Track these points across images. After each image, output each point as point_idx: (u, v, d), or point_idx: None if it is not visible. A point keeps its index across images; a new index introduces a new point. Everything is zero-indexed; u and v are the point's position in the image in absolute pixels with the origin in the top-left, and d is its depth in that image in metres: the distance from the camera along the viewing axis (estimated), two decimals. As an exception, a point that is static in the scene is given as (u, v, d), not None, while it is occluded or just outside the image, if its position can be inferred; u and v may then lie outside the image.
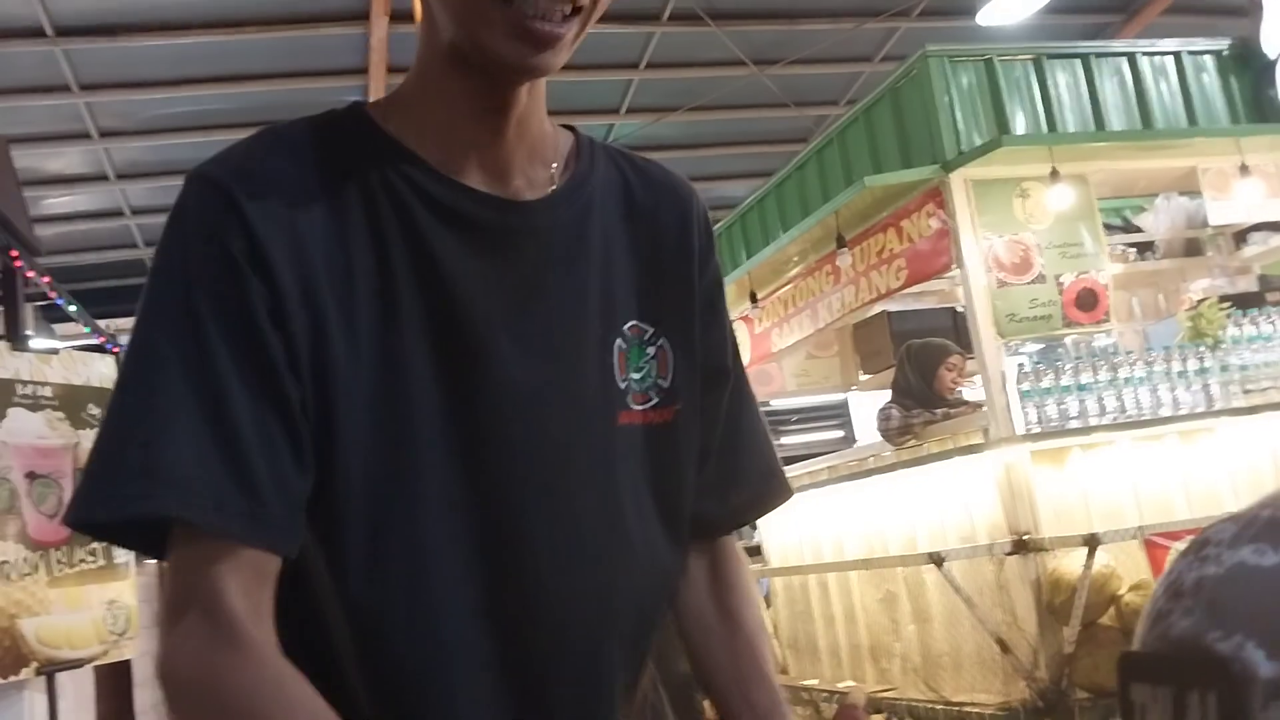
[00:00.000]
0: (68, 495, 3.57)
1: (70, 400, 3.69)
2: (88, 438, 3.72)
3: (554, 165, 0.93)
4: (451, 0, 0.82)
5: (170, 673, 0.76)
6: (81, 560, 3.57)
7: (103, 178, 8.19)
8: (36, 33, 6.48)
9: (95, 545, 3.61)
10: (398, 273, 0.84)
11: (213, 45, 6.92)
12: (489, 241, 0.88)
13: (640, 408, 0.93)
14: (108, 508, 0.77)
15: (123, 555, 3.75)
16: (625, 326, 0.94)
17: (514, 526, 0.86)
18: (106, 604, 3.68)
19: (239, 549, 0.76)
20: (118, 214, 8.73)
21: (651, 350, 0.95)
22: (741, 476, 1.04)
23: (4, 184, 4.34)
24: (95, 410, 3.77)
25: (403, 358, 0.84)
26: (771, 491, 1.07)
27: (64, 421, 3.64)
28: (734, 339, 1.05)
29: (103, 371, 3.89)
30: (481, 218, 0.88)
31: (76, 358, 3.82)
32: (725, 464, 1.02)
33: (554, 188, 0.92)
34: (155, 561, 6.27)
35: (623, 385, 0.93)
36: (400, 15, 6.49)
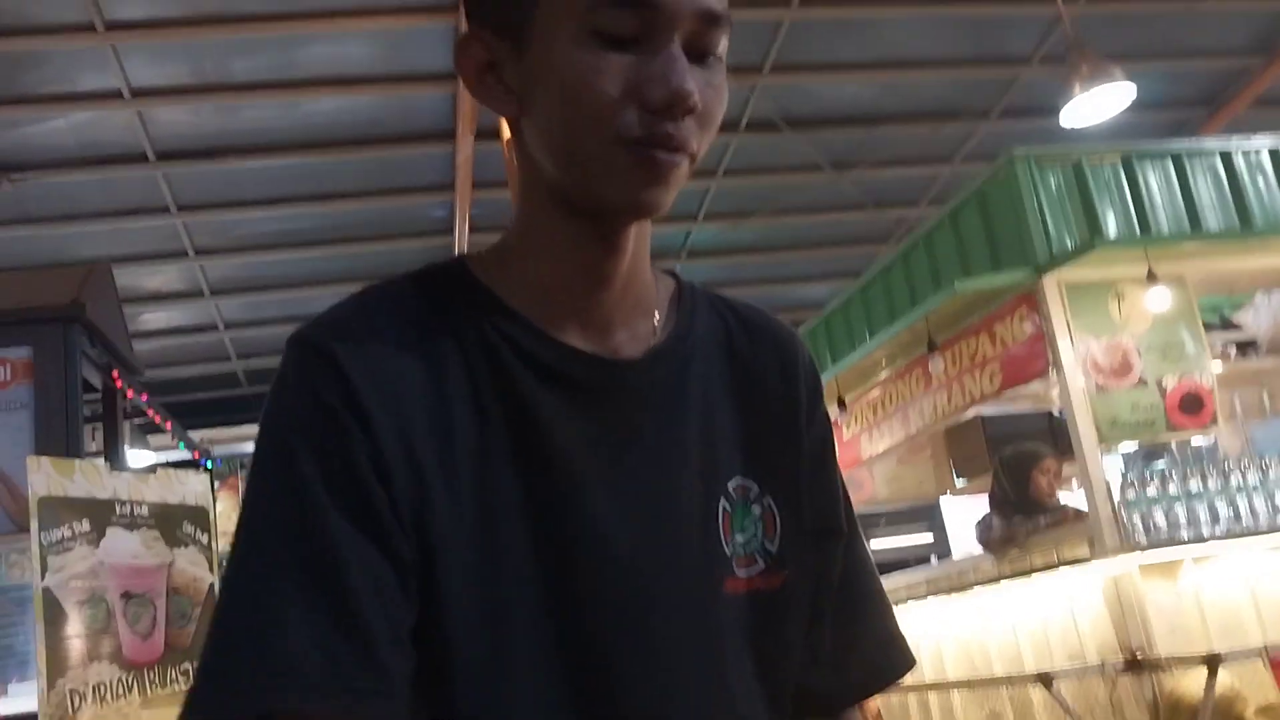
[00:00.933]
0: (160, 615, 3.58)
1: (165, 519, 3.73)
2: (182, 556, 3.74)
3: (656, 315, 0.91)
4: (566, 151, 0.82)
5: None
6: (174, 680, 3.56)
7: (198, 293, 8.45)
8: (140, 158, 6.76)
9: (188, 666, 3.60)
10: (497, 433, 0.83)
11: (304, 166, 7.16)
12: (589, 401, 0.86)
13: (746, 573, 0.89)
14: (228, 709, 0.74)
15: (214, 676, 3.74)
16: (730, 485, 0.90)
17: (610, 697, 0.82)
18: (197, 727, 3.65)
19: None
20: (212, 328, 8.98)
21: (757, 510, 0.91)
22: (858, 646, 0.98)
23: (107, 306, 4.48)
24: (189, 528, 3.80)
25: (502, 519, 0.82)
26: (892, 662, 1.00)
27: (159, 540, 3.66)
28: (846, 495, 1.00)
29: (197, 489, 3.94)
30: (582, 378, 0.86)
31: (173, 476, 3.87)
32: (840, 633, 0.96)
33: (656, 341, 0.90)
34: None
35: (728, 550, 0.88)
36: (485, 133, 6.65)
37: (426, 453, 0.80)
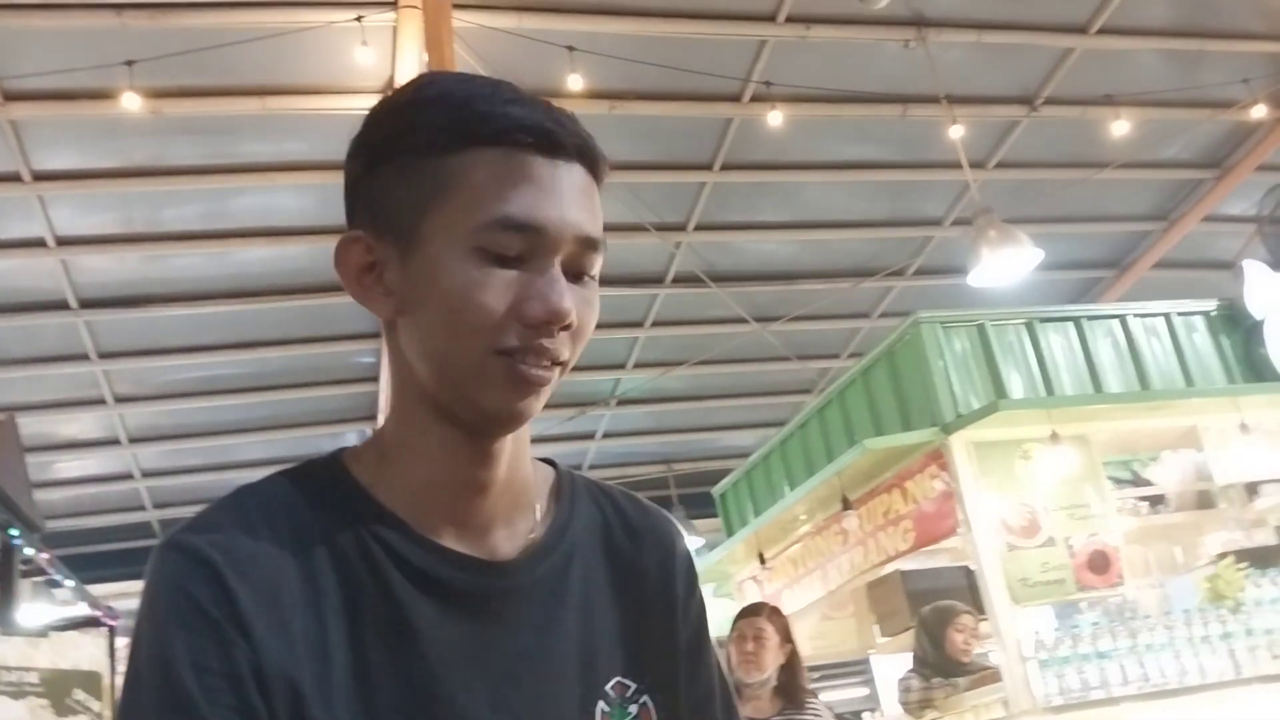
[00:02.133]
0: (43, 792, 3.41)
1: (56, 686, 3.58)
2: (70, 726, 3.59)
3: (537, 508, 0.92)
4: (443, 359, 0.83)
5: None
6: None
7: (115, 441, 8.28)
8: (61, 305, 6.71)
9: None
10: (373, 645, 0.82)
11: (230, 313, 7.16)
12: (468, 607, 0.85)
13: None
14: None
15: None
16: (608, 685, 0.90)
17: None
18: None
19: None
20: (128, 477, 8.79)
21: (634, 710, 0.90)
22: None
23: (8, 459, 4.38)
24: (80, 695, 3.65)
25: None
26: None
27: (47, 709, 3.51)
28: (724, 687, 1.00)
29: (93, 654, 3.80)
30: (460, 582, 0.85)
31: (66, 640, 3.74)
32: None
33: (535, 537, 0.90)
34: None
35: None
36: (411, 284, 6.72)
37: (304, 669, 0.79)
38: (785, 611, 5.51)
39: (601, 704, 0.89)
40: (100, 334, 7.13)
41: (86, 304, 6.82)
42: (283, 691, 0.78)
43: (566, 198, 0.83)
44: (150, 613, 0.80)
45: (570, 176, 0.84)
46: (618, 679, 0.90)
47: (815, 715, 3.59)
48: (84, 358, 7.23)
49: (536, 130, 0.83)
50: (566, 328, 0.83)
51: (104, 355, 7.30)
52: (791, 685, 3.66)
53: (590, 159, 0.86)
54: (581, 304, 0.84)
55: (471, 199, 0.81)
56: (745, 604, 5.09)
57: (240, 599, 0.79)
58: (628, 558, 0.95)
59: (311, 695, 0.79)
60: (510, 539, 0.89)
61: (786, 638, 3.75)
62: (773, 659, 3.67)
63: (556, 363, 0.84)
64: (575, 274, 0.85)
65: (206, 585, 0.79)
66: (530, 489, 0.92)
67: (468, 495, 0.87)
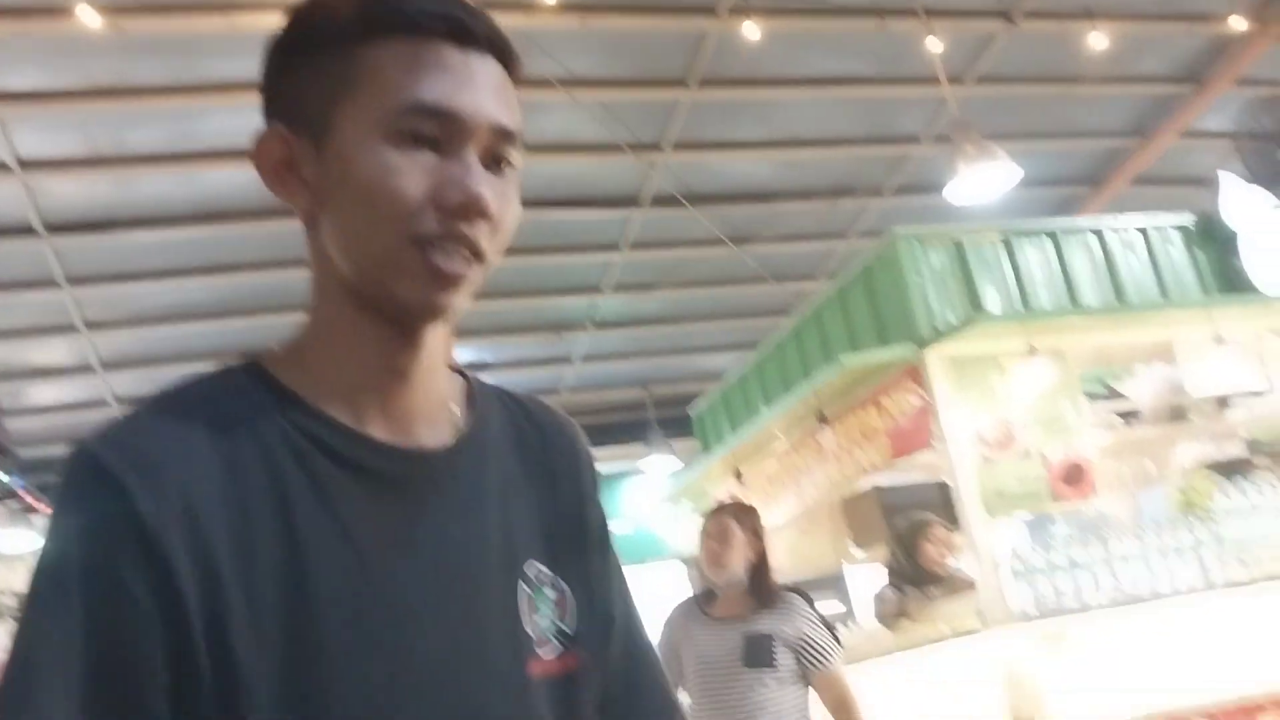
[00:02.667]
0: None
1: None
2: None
3: (454, 408, 0.94)
4: (360, 249, 0.84)
5: None
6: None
7: (88, 369, 8.20)
8: (26, 230, 6.59)
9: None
10: (304, 538, 0.82)
11: (201, 238, 7.05)
12: (396, 495, 0.87)
13: (547, 656, 0.91)
14: None
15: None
16: (527, 570, 0.93)
17: None
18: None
19: None
20: (102, 404, 8.72)
21: (552, 594, 0.94)
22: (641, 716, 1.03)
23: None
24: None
25: (310, 629, 0.81)
26: None
27: (26, 632, 3.52)
28: (623, 578, 1.04)
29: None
30: (386, 470, 0.87)
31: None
32: (624, 710, 1.00)
33: (455, 432, 0.92)
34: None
35: (530, 632, 0.91)
36: (384, 206, 6.62)
37: (229, 581, 0.79)
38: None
39: (523, 585, 0.92)
40: (68, 259, 7.01)
41: (53, 229, 6.69)
42: (202, 614, 0.78)
43: (480, 87, 0.84)
44: (52, 530, 0.79)
45: (484, 67, 0.85)
46: (535, 564, 0.93)
47: (794, 610, 3.56)
48: (53, 284, 7.11)
49: (448, 19, 0.84)
50: (483, 214, 0.83)
51: (73, 281, 7.18)
52: (761, 585, 3.63)
53: (504, 53, 0.87)
54: (499, 196, 0.85)
55: (383, 87, 0.82)
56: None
57: (146, 515, 0.77)
58: (537, 455, 0.98)
59: (235, 598, 0.79)
60: (432, 433, 0.91)
61: (756, 535, 3.72)
62: (739, 557, 3.64)
63: (475, 255, 0.84)
64: (494, 162, 0.86)
65: (110, 504, 0.77)
66: (447, 389, 0.95)
67: (392, 385, 0.88)
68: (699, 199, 7.35)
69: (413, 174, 0.82)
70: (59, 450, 8.98)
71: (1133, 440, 5.52)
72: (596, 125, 6.49)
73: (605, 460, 10.45)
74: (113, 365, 8.26)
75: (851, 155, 7.51)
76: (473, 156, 0.84)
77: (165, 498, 0.78)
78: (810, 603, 3.68)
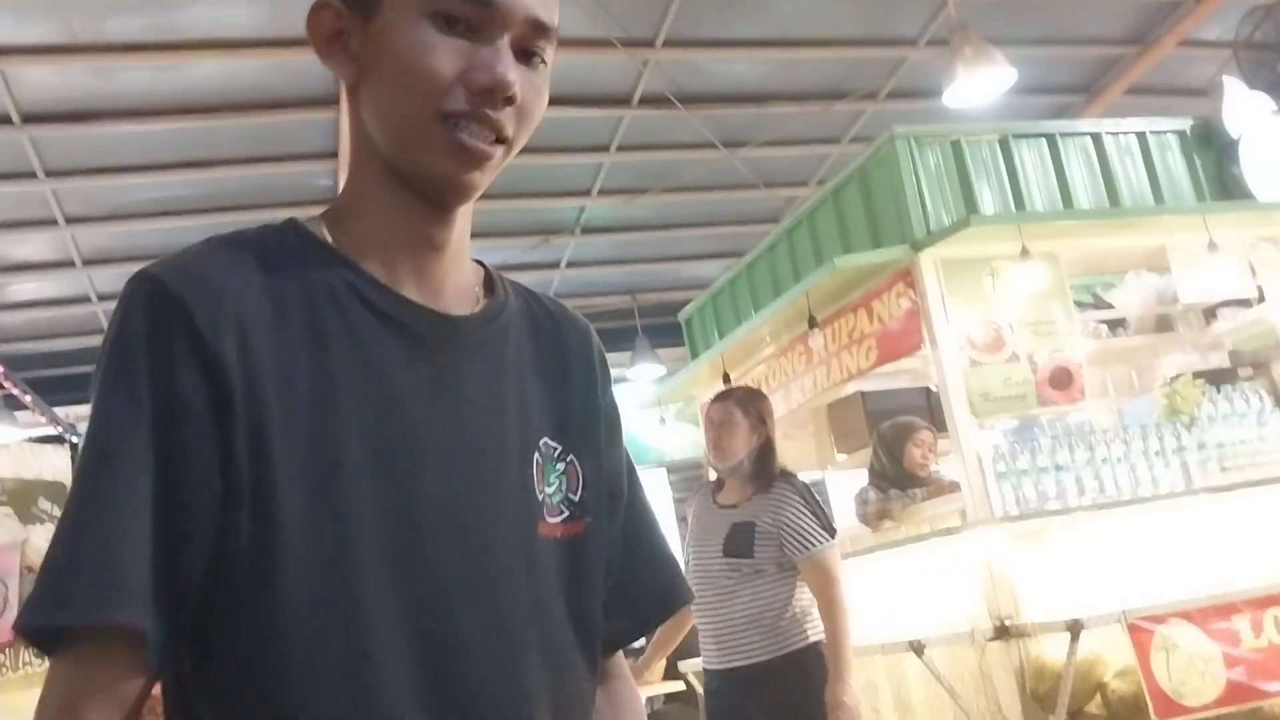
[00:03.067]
0: (14, 595, 3.43)
1: (20, 495, 3.57)
2: (37, 533, 3.59)
3: (476, 288, 1.02)
4: (393, 121, 0.91)
5: None
6: (27, 664, 3.41)
7: (69, 264, 8.10)
8: (3, 120, 6.44)
9: (42, 647, 3.46)
10: (338, 375, 0.89)
11: (182, 131, 6.91)
12: (424, 351, 0.93)
13: (554, 520, 0.98)
14: (31, 623, 0.81)
15: (71, 657, 3.59)
16: (539, 442, 1.00)
17: (444, 614, 0.89)
18: (53, 709, 3.50)
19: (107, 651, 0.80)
20: (84, 300, 8.64)
21: (561, 466, 1.01)
22: (643, 581, 1.09)
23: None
24: (45, 505, 3.64)
25: (340, 458, 0.87)
26: (674, 593, 1.12)
27: (12, 518, 3.51)
28: (630, 461, 1.13)
29: (55, 464, 3.78)
30: (418, 328, 0.93)
31: (28, 450, 3.71)
32: (626, 580, 1.07)
33: (479, 308, 1.00)
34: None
35: (540, 498, 0.98)
36: (370, 100, 6.49)
37: (270, 397, 0.85)
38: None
39: (537, 455, 0.99)
40: (46, 151, 6.87)
41: (30, 119, 6.54)
42: (246, 419, 0.84)
43: None
44: (116, 337, 0.85)
45: None
46: (547, 440, 1.01)
47: (779, 497, 3.53)
48: (31, 175, 6.98)
49: None
50: (510, 101, 0.89)
51: (52, 173, 7.05)
52: (762, 471, 3.59)
53: None
54: (528, 85, 0.91)
55: None
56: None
57: (204, 331, 0.84)
58: (553, 345, 1.06)
59: (273, 421, 0.85)
60: (459, 304, 0.98)
61: (761, 421, 3.67)
62: (742, 443, 3.60)
63: (500, 138, 0.91)
64: (525, 54, 0.91)
65: (170, 315, 0.84)
66: (471, 269, 1.03)
67: (424, 253, 0.95)
68: (690, 100, 7.24)
69: (446, 54, 0.88)
70: (42, 346, 8.95)
71: (1118, 350, 5.54)
72: (588, 20, 6.35)
73: (591, 366, 10.58)
74: (94, 261, 8.16)
75: (847, 57, 7.37)
76: (505, 44, 0.90)
77: (220, 315, 0.85)
78: (800, 489, 3.58)
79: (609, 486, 1.05)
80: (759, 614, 3.50)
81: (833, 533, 3.51)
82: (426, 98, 0.88)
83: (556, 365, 1.04)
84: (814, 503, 3.53)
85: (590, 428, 1.05)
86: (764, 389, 5.66)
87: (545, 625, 0.95)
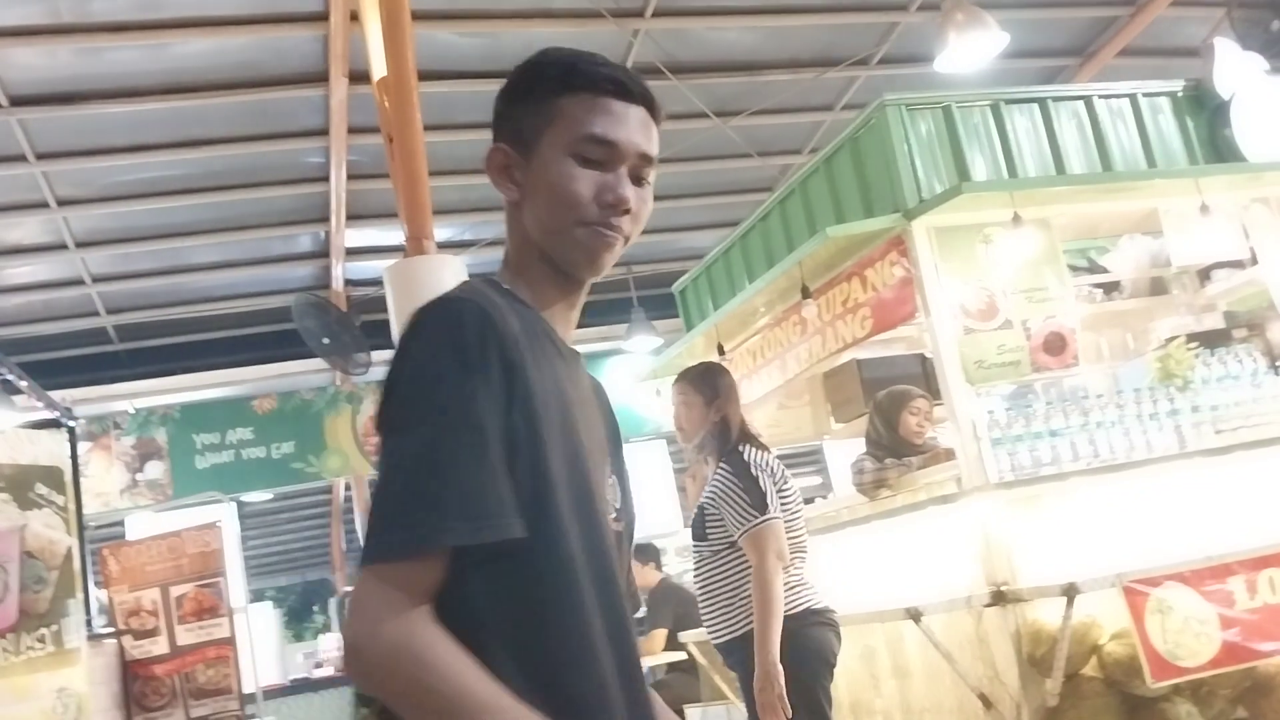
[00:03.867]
0: (14, 580, 3.44)
1: (17, 481, 3.57)
2: (36, 518, 3.60)
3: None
4: (550, 227, 1.30)
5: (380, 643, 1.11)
6: (29, 648, 3.43)
7: (62, 246, 8.08)
8: (-9, 103, 6.42)
9: (44, 631, 3.47)
10: (558, 384, 1.26)
11: (172, 110, 6.89)
12: (572, 376, 1.33)
13: (610, 517, 1.34)
14: (412, 545, 1.12)
15: (74, 640, 3.61)
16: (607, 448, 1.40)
17: (611, 593, 1.26)
18: (56, 692, 3.53)
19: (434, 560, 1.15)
20: (78, 283, 8.62)
21: (613, 481, 1.39)
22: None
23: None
24: (43, 490, 3.65)
25: (577, 446, 1.26)
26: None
27: (10, 503, 3.51)
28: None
29: (51, 449, 3.78)
30: (569, 359, 1.34)
31: (24, 436, 3.71)
32: None
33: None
34: (113, 640, 6.13)
35: (609, 497, 1.36)
36: (359, 77, 6.45)
37: (536, 387, 1.20)
38: (743, 401, 5.61)
39: (607, 466, 1.38)
40: (36, 134, 6.85)
41: (18, 101, 6.52)
42: (532, 413, 1.19)
43: (632, 126, 1.31)
44: (450, 336, 1.17)
45: (635, 113, 1.31)
46: (607, 455, 1.39)
47: (718, 477, 3.54)
48: (21, 159, 6.96)
49: (614, 81, 1.30)
50: (627, 211, 1.29)
51: (41, 156, 7.03)
52: (720, 448, 3.61)
53: (650, 104, 1.33)
54: (639, 199, 1.31)
55: (572, 123, 1.29)
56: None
57: (507, 343, 1.18)
58: (596, 388, 1.45)
59: (541, 411, 1.20)
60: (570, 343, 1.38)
61: (714, 397, 3.67)
62: (698, 422, 3.63)
63: (621, 236, 1.31)
64: (636, 178, 1.31)
65: (490, 327, 1.18)
66: None
67: (565, 309, 1.36)
68: (682, 69, 7.20)
69: (584, 181, 1.29)
70: (37, 330, 8.94)
71: (1113, 314, 5.54)
72: (576, -9, 6.32)
73: (588, 341, 10.50)
74: (87, 243, 8.14)
75: (838, 24, 7.33)
76: (624, 172, 1.30)
77: (508, 331, 1.20)
78: (738, 467, 3.54)
79: (631, 497, 1.45)
80: (727, 591, 3.55)
81: (764, 509, 3.45)
82: (572, 211, 1.28)
83: (602, 404, 1.43)
84: (749, 479, 3.49)
85: (620, 458, 1.43)
86: (759, 360, 5.68)
87: (629, 601, 1.33)
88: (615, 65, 1.33)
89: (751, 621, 3.42)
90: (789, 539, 3.50)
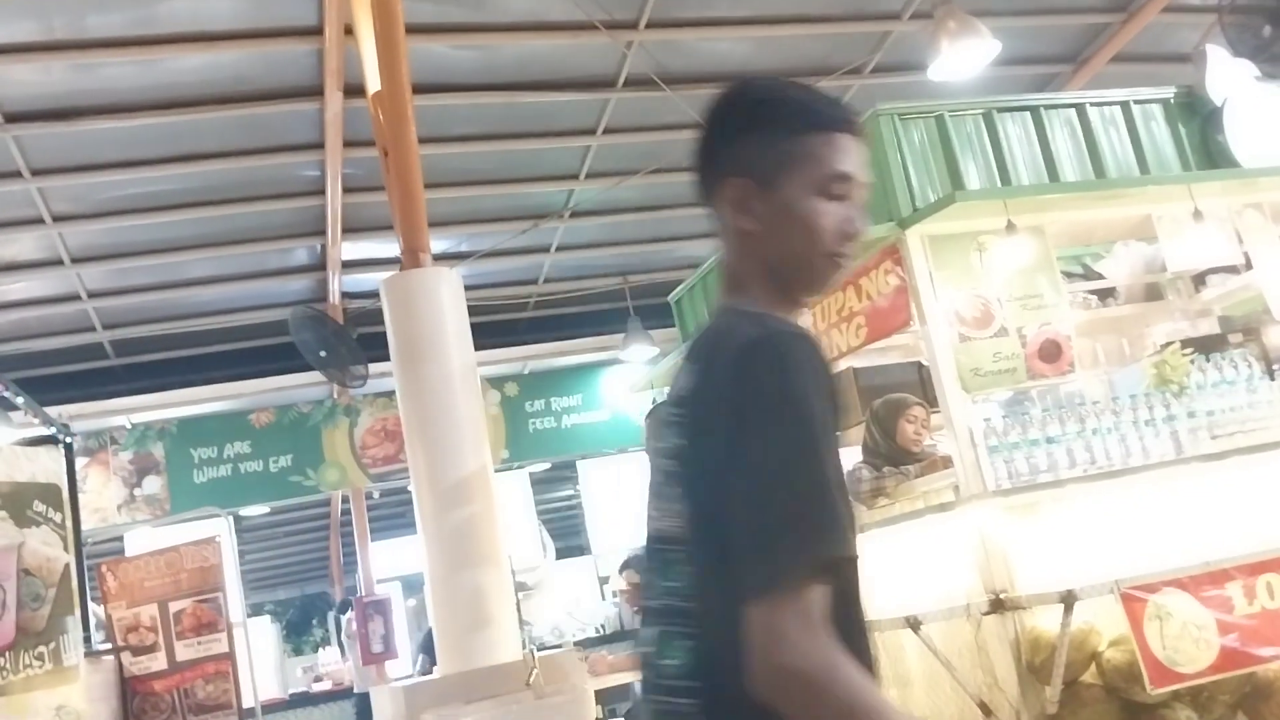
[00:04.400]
0: (11, 598, 3.43)
1: (15, 499, 3.57)
2: (33, 536, 3.59)
3: None
4: (796, 258, 1.40)
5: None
6: (27, 666, 3.42)
7: (58, 262, 8.08)
8: (-15, 120, 6.42)
9: (42, 649, 3.47)
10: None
11: (166, 126, 6.89)
12: None
13: None
14: (812, 553, 1.20)
15: (72, 658, 3.60)
16: None
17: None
18: (54, 710, 3.52)
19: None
20: (74, 298, 8.61)
21: None
22: None
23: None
24: (40, 507, 3.65)
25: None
26: None
27: (7, 521, 3.51)
28: None
29: (49, 466, 3.78)
30: None
31: (21, 454, 3.70)
32: None
33: None
34: (111, 657, 6.11)
35: None
36: (354, 90, 6.47)
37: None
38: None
39: None
40: (30, 150, 6.85)
41: (12, 118, 6.52)
42: (836, 440, 1.30)
43: (862, 161, 1.42)
44: (798, 374, 1.25)
45: (861, 147, 1.43)
46: None
47: None
48: (16, 175, 6.95)
49: (850, 121, 1.42)
50: (859, 239, 1.43)
51: (37, 172, 7.02)
52: None
53: (863, 135, 1.45)
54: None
55: (819, 162, 1.38)
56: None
57: (829, 370, 1.31)
58: None
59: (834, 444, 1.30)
60: None
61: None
62: None
63: (849, 261, 1.43)
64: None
65: (823, 364, 1.29)
66: None
67: None
68: (675, 80, 7.21)
69: (830, 216, 1.38)
70: (33, 345, 8.92)
71: (1108, 320, 5.55)
72: (568, 3, 6.32)
73: (584, 351, 10.47)
74: (82, 258, 8.13)
75: (831, 33, 7.35)
76: (859, 203, 1.42)
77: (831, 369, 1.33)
78: None
79: None
80: None
81: None
82: (821, 244, 1.38)
83: None
84: None
85: None
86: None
87: None
88: (838, 102, 1.44)
89: None
90: None
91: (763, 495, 1.19)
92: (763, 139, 1.39)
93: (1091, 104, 4.91)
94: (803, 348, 1.27)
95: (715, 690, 1.25)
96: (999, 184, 4.59)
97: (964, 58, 5.65)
